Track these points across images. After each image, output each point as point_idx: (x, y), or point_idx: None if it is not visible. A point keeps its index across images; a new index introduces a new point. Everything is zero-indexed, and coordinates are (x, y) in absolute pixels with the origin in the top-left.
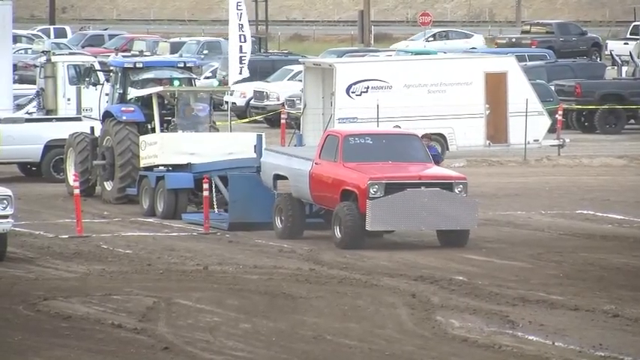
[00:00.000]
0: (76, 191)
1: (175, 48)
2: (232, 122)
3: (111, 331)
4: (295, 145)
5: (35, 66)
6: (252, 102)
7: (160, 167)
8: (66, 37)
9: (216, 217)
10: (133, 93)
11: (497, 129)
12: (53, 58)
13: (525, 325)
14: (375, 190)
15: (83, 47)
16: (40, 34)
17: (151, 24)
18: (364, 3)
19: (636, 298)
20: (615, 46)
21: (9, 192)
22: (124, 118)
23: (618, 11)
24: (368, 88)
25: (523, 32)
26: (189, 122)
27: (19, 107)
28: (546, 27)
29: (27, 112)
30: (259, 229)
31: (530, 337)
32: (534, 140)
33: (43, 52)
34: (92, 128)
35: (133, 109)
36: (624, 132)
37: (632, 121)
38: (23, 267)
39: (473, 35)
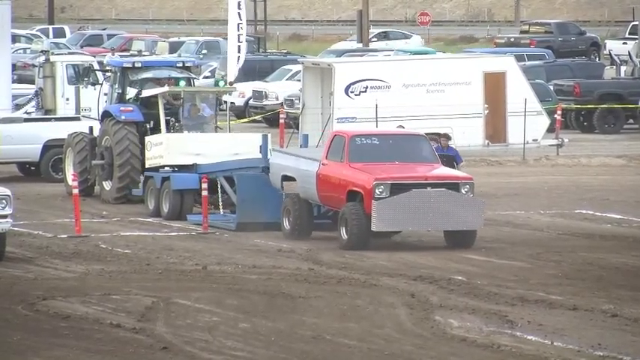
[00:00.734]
0: (75, 191)
1: (174, 48)
2: (231, 122)
3: (110, 330)
4: (301, 146)
5: (34, 66)
6: (250, 102)
7: (166, 168)
8: (65, 36)
9: (221, 218)
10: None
11: (495, 129)
12: (52, 58)
13: (524, 324)
14: (380, 190)
15: (82, 47)
16: (38, 33)
17: (150, 24)
18: (363, 3)
19: (635, 298)
20: (614, 46)
21: (8, 192)
22: (123, 117)
23: (617, 11)
24: (367, 87)
25: (522, 32)
26: (195, 123)
27: (17, 107)
28: (545, 27)
29: (26, 112)
30: (267, 229)
31: (529, 337)
32: (533, 140)
33: (41, 51)
34: (91, 128)
35: (131, 108)
36: (623, 132)
37: (631, 120)
38: (22, 267)
39: (412, 36)
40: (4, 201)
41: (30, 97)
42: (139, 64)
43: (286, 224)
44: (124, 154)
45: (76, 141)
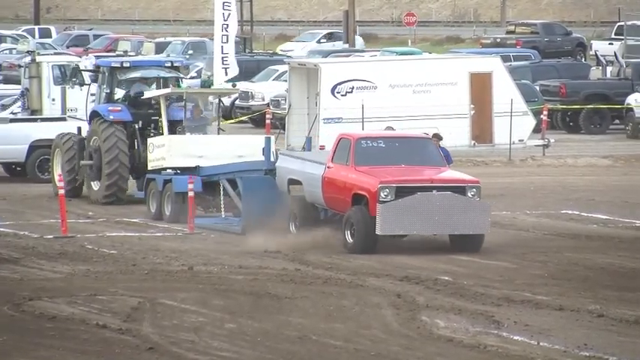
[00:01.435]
0: (61, 192)
1: (160, 48)
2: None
3: (96, 331)
4: (304, 149)
5: (20, 66)
6: (237, 102)
7: (168, 170)
8: (51, 37)
9: (223, 221)
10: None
11: (482, 129)
12: (38, 58)
13: (510, 325)
14: (385, 193)
15: (68, 47)
16: (24, 34)
17: (136, 24)
18: (349, 3)
19: (621, 298)
20: (600, 47)
21: None
22: (112, 117)
23: (603, 11)
24: (353, 88)
25: (508, 32)
26: (197, 124)
27: (3, 107)
28: (531, 27)
29: (12, 113)
30: (273, 232)
31: (516, 337)
32: (519, 140)
33: (27, 52)
34: (79, 128)
35: (120, 108)
36: (609, 132)
37: (617, 121)
38: (8, 267)
39: (356, 37)
40: None
41: (16, 97)
42: (128, 64)
43: (293, 228)
44: (112, 153)
45: (64, 141)
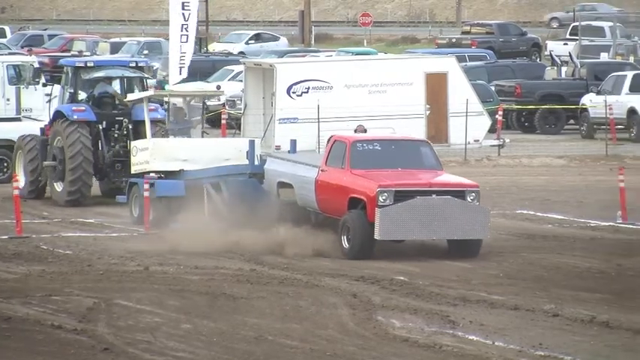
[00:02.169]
0: (16, 192)
1: (115, 48)
2: None
3: (51, 332)
4: (289, 152)
5: None
6: (192, 102)
7: (151, 174)
8: (5, 37)
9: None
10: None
11: (437, 129)
12: None
13: (466, 324)
14: (384, 197)
15: (22, 47)
16: None
17: (91, 24)
18: (305, 3)
19: (576, 298)
20: (555, 47)
21: None
22: (76, 117)
23: (557, 10)
24: (308, 88)
25: (463, 33)
26: (181, 127)
27: None
28: (486, 27)
29: None
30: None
31: (471, 337)
32: (475, 140)
33: None
34: (42, 129)
35: (84, 108)
36: (564, 132)
37: (572, 121)
38: None
39: (280, 37)
40: None
41: None
42: (92, 64)
43: (282, 232)
44: (76, 153)
45: (26, 142)
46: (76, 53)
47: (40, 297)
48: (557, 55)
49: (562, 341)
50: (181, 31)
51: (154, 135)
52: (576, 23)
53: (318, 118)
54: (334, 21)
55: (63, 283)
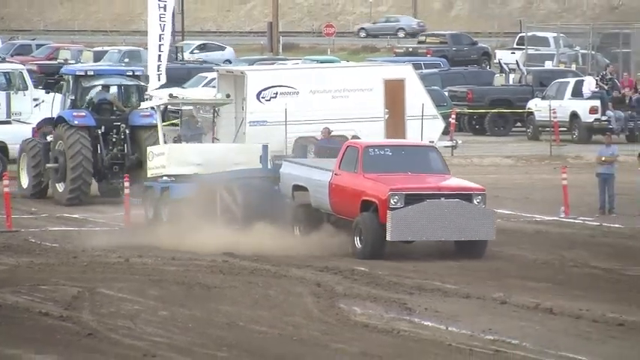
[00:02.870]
0: (6, 189)
1: (98, 57)
2: None
3: (39, 318)
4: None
5: None
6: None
7: (164, 177)
8: None
9: None
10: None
11: (395, 131)
12: None
13: (421, 311)
14: (395, 200)
15: (12, 56)
16: None
17: (76, 34)
18: (273, 15)
19: (523, 287)
20: (503, 55)
21: None
22: (76, 122)
23: (506, 23)
24: (277, 93)
25: (419, 42)
26: (193, 134)
27: None
28: (440, 38)
29: None
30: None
31: (426, 323)
32: (429, 141)
33: None
34: (44, 134)
35: (84, 114)
36: (511, 134)
37: (519, 123)
38: None
39: (226, 47)
40: None
41: None
42: (92, 73)
43: (297, 230)
44: (76, 153)
45: (30, 146)
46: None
47: (28, 286)
48: (505, 63)
49: (510, 326)
50: (159, 40)
51: (147, 139)
52: (523, 34)
53: (286, 121)
54: (300, 32)
55: (50, 273)
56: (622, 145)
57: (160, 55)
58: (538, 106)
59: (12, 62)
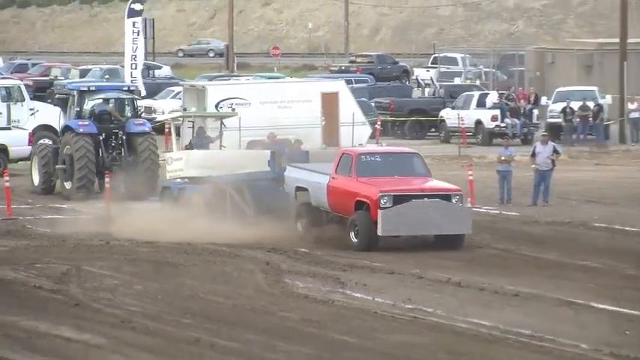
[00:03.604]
0: (6, 184)
1: (83, 74)
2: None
3: (33, 291)
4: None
5: None
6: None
7: (177, 180)
8: None
9: None
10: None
11: (330, 136)
12: None
13: (352, 285)
14: (385, 201)
15: (11, 73)
16: None
17: (65, 55)
18: (229, 39)
19: (437, 264)
20: (420, 73)
21: None
22: (81, 130)
23: (422, 46)
24: (232, 104)
25: (350, 62)
26: (202, 142)
27: None
28: (368, 58)
29: None
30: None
31: (356, 294)
32: (359, 144)
33: None
34: (54, 140)
35: (87, 123)
36: (427, 138)
37: (433, 129)
38: None
39: (162, 66)
40: None
41: None
42: (94, 88)
43: (299, 226)
44: (82, 156)
45: (40, 150)
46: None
47: (25, 264)
48: (421, 79)
49: (425, 297)
50: (132, 60)
51: (140, 144)
52: (436, 54)
53: (240, 127)
54: (252, 53)
55: (43, 253)
56: (518, 147)
57: (132, 72)
58: (449, 115)
59: (11, 78)
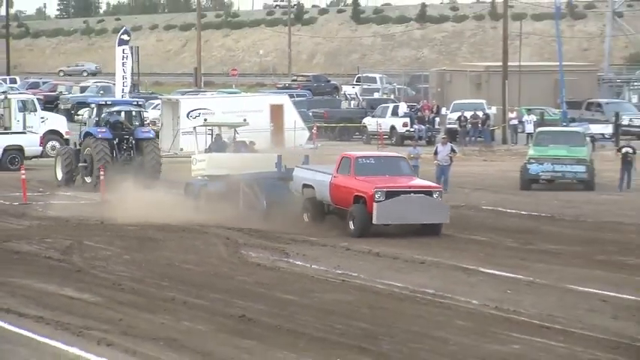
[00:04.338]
0: (23, 176)
1: (83, 90)
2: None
3: (44, 260)
4: (303, 163)
5: None
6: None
7: (198, 177)
8: (16, 83)
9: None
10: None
11: (277, 139)
12: (9, 96)
13: (294, 255)
14: (379, 195)
15: (26, 89)
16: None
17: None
18: (197, 62)
19: (360, 240)
20: (347, 89)
21: None
22: (100, 136)
23: (349, 67)
24: (200, 113)
25: (293, 80)
26: (218, 147)
27: None
28: (307, 77)
29: None
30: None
31: (297, 262)
32: (300, 145)
33: (2, 92)
34: (75, 144)
35: (104, 130)
36: (352, 140)
37: (357, 133)
38: None
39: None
40: None
41: None
42: (110, 102)
43: (306, 217)
44: (101, 157)
45: (63, 152)
46: (59, 93)
47: (37, 239)
48: (348, 94)
49: (352, 265)
50: (122, 80)
51: (146, 147)
52: (360, 75)
53: (205, 132)
54: (215, 73)
55: (51, 231)
56: (424, 147)
57: (123, 89)
58: (369, 122)
59: (26, 93)
